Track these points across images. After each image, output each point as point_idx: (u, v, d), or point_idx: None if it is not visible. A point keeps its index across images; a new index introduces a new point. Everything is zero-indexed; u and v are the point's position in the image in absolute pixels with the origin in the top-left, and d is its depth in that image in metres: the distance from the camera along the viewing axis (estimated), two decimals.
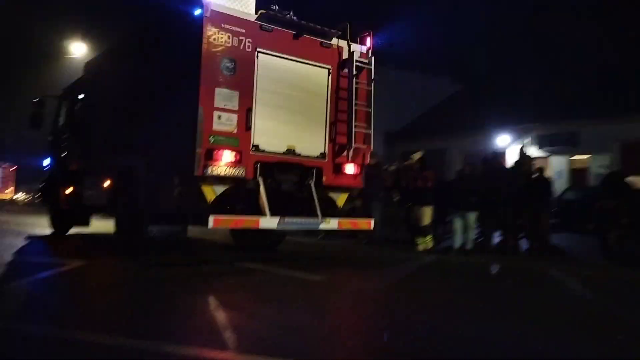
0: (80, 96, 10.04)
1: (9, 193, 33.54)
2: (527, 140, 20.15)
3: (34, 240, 10.16)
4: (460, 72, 32.12)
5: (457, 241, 9.77)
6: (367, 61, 7.73)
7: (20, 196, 33.02)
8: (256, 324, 4.07)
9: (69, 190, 10.23)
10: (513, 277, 7.34)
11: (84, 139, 9.61)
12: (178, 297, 5.02)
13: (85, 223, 10.54)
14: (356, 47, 7.72)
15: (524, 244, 10.02)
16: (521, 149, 10.93)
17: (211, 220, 6.17)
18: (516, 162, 10.53)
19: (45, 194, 11.53)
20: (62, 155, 10.81)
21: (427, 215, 10.05)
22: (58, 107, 11.28)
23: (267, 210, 6.64)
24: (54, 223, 11.00)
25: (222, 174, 6.51)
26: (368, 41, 7.93)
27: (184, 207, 6.63)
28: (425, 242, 10.03)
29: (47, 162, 11.83)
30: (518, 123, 21.32)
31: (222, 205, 6.74)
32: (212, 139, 6.40)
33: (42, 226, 11.75)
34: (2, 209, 24.08)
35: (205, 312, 4.44)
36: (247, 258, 7.93)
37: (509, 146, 20.84)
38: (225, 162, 6.49)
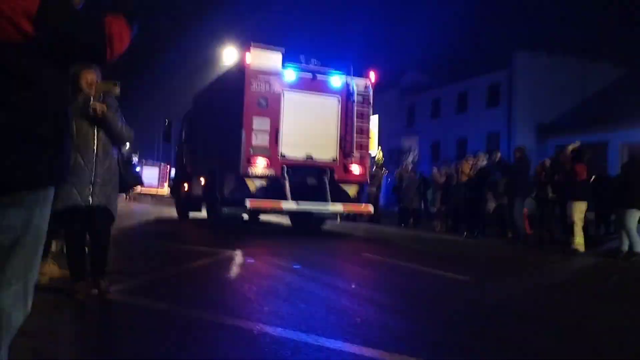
0: (191, 119, 14.38)
1: (165, 189, 39.39)
2: None
3: (177, 225, 14.23)
4: (625, 54, 28.10)
5: (623, 243, 8.93)
6: (367, 91, 10.77)
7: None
8: (408, 323, 4.09)
9: (187, 187, 14.54)
10: None
11: (193, 150, 13.88)
12: (332, 292, 5.20)
13: (198, 209, 14.76)
14: (359, 81, 10.85)
15: None
16: None
17: (247, 202, 9.83)
18: None
19: (173, 189, 16.14)
20: (184, 161, 15.24)
21: (578, 211, 9.40)
22: (181, 127, 15.80)
23: (289, 197, 10.06)
24: (178, 210, 15.47)
25: (259, 173, 10.12)
26: (371, 75, 10.93)
27: (236, 195, 10.29)
28: (579, 242, 9.33)
29: (175, 166, 16.46)
30: None
31: (261, 193, 10.22)
32: (251, 150, 10.04)
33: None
34: (162, 202, 28.79)
35: (360, 309, 4.54)
36: (382, 253, 8.59)
37: None
38: (260, 165, 10.05)
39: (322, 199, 10.57)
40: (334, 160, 10.83)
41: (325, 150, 10.79)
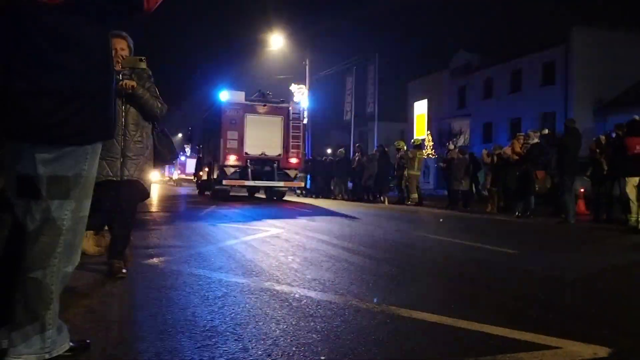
0: (201, 129, 21.84)
1: None
2: None
3: (209, 203, 21.67)
4: None
5: None
6: (299, 113, 17.69)
7: None
8: (448, 286, 4.46)
9: (201, 174, 21.99)
10: None
11: (203, 148, 21.31)
12: (373, 262, 5.53)
13: (210, 189, 22.16)
14: (295, 106, 17.89)
15: None
16: None
17: (224, 182, 17.05)
18: None
19: (195, 175, 23.73)
20: (200, 155, 22.68)
21: (631, 187, 9.54)
22: (198, 133, 23.26)
23: (250, 178, 17.20)
24: (198, 189, 23.08)
25: (232, 164, 17.43)
26: (302, 102, 17.91)
27: (220, 177, 17.48)
28: (633, 219, 9.47)
29: (197, 159, 23.98)
30: None
31: (234, 176, 17.37)
32: (227, 150, 17.27)
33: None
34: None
35: (400, 275, 4.88)
36: (428, 230, 9.19)
37: None
38: (232, 159, 17.32)
39: (272, 179, 17.66)
40: (279, 155, 17.97)
41: (274, 149, 17.99)
